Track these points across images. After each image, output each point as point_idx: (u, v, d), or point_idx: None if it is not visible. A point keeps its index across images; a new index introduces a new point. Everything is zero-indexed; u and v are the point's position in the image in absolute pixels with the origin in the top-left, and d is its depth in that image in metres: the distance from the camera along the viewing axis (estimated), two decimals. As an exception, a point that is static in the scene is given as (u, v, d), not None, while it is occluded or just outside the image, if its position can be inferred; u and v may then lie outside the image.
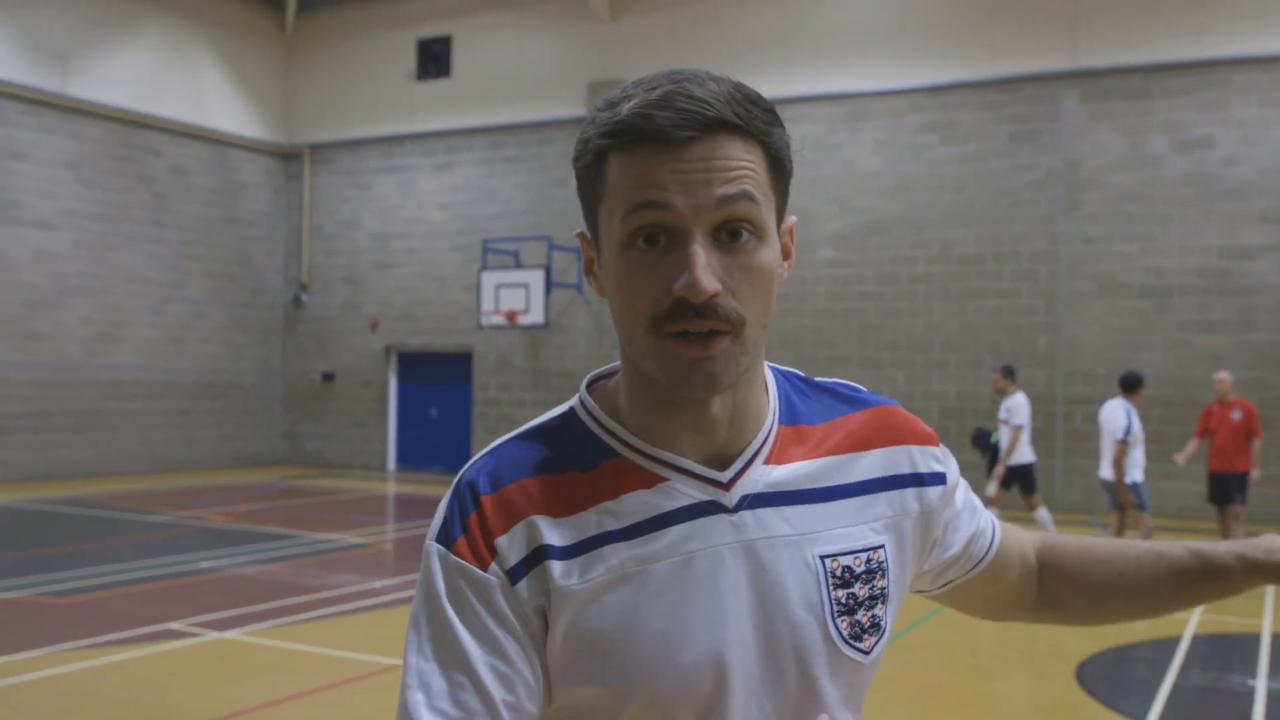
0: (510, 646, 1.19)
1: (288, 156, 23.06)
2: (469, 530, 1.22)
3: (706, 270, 1.15)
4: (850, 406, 1.39)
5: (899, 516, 1.35)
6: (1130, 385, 10.87)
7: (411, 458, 21.88)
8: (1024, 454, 11.60)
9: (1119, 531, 10.93)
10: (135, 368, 20.08)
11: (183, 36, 20.93)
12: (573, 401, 1.33)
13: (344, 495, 17.34)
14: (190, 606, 9.03)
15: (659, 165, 1.16)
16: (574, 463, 1.26)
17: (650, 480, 1.25)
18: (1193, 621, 8.96)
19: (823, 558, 1.27)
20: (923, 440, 1.40)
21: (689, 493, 1.24)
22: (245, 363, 22.27)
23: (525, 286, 19.15)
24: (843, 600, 1.27)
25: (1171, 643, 8.23)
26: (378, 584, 10.29)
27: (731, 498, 1.25)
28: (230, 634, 8.17)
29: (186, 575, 10.48)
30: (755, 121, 1.19)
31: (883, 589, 1.31)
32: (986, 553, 1.51)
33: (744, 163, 1.18)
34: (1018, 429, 11.45)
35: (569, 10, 20.16)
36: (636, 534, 1.22)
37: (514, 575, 1.20)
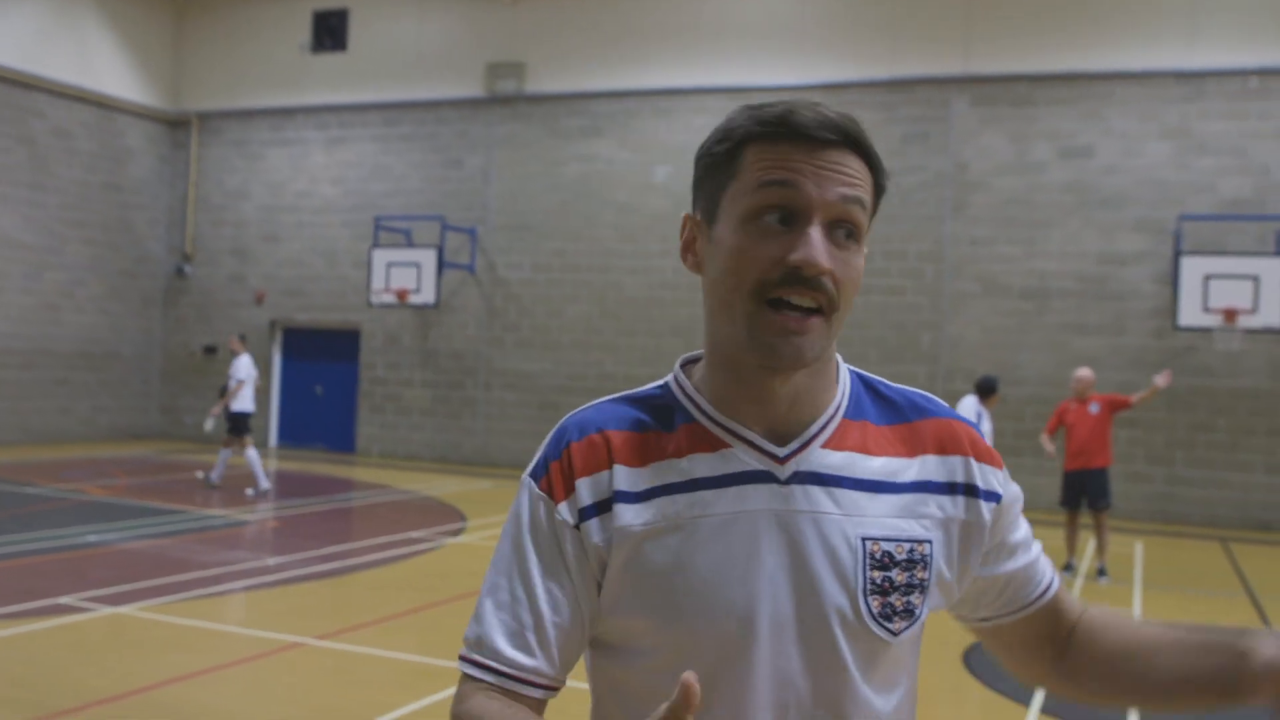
0: (568, 574, 1.40)
1: (174, 124, 22.49)
2: (555, 470, 1.42)
3: (823, 249, 1.33)
4: (919, 414, 1.50)
5: (948, 520, 1.44)
6: (985, 390, 11.16)
7: (294, 435, 21.56)
8: (245, 403, 14.68)
9: None
10: (8, 335, 19.42)
11: (68, -5, 20.27)
12: (668, 376, 1.52)
13: (225, 471, 17.03)
14: (80, 581, 8.86)
15: (797, 156, 1.35)
16: (658, 423, 1.45)
17: (716, 445, 1.42)
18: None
19: (864, 539, 1.38)
20: (986, 458, 1.49)
21: (747, 460, 1.40)
22: (124, 333, 21.70)
23: (417, 266, 19.01)
24: (878, 581, 1.38)
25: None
26: (270, 561, 10.20)
27: (785, 471, 1.40)
28: (125, 609, 8.05)
29: (72, 549, 10.26)
30: (873, 151, 1.40)
31: (923, 580, 1.41)
32: (1036, 598, 1.57)
33: (862, 177, 1.39)
34: (240, 383, 14.58)
35: (470, -10, 20.04)
36: (695, 489, 1.39)
37: (585, 514, 1.39)
